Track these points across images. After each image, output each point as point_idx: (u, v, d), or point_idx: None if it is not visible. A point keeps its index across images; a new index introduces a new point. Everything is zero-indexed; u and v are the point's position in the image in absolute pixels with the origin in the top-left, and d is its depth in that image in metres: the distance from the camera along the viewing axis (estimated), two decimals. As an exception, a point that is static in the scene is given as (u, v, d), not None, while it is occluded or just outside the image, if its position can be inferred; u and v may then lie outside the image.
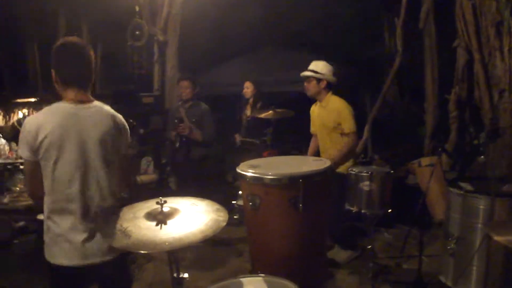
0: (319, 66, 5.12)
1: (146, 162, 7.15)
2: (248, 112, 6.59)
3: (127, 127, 2.79)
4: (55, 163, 2.49)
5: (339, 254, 5.26)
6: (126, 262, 2.89)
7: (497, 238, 2.26)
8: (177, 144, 5.79)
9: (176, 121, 5.74)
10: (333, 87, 5.18)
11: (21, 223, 6.06)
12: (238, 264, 5.19)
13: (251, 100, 6.60)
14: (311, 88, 5.15)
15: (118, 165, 2.71)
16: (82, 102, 2.59)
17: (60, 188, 2.52)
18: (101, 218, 2.56)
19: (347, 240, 5.35)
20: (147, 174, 6.99)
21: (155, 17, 8.75)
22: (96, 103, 2.67)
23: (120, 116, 2.75)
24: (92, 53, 2.69)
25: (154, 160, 7.21)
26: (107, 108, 2.71)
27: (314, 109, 5.39)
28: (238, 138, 6.70)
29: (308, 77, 5.12)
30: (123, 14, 8.56)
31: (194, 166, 5.89)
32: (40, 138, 2.46)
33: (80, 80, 2.62)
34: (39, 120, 2.50)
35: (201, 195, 2.75)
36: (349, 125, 4.94)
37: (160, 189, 6.84)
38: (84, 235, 2.54)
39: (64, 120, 2.51)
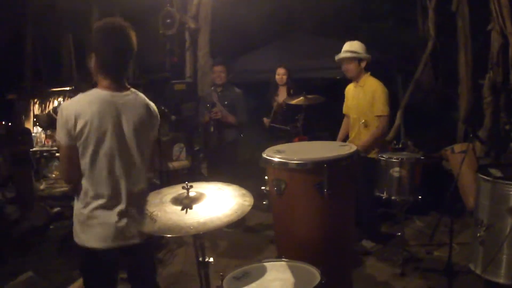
0: (356, 46, 5.03)
1: (179, 149, 7.20)
2: (281, 98, 6.57)
3: (159, 115, 2.86)
4: (95, 150, 2.56)
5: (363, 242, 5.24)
6: (151, 246, 2.97)
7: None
8: (211, 129, 5.87)
9: (208, 105, 5.84)
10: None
11: (57, 209, 6.23)
12: (269, 250, 5.20)
13: (286, 87, 6.57)
14: (353, 69, 5.05)
15: (149, 150, 2.79)
16: (118, 90, 2.64)
17: (99, 174, 2.59)
18: (134, 202, 2.62)
19: (372, 230, 5.31)
20: (179, 161, 7.04)
21: (186, 5, 8.80)
22: (132, 91, 2.72)
23: (153, 104, 2.82)
24: (134, 35, 2.67)
25: (186, 147, 7.27)
26: (142, 96, 2.76)
27: (350, 89, 5.31)
28: (266, 122, 6.68)
29: (348, 59, 5.02)
30: (155, 2, 8.64)
31: (227, 149, 6.00)
32: (79, 126, 2.51)
33: (119, 66, 2.65)
34: (77, 108, 2.53)
35: (232, 180, 2.78)
36: (382, 107, 4.88)
37: (192, 175, 6.90)
38: (116, 218, 2.62)
39: (102, 108, 2.55)
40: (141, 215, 2.39)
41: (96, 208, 2.62)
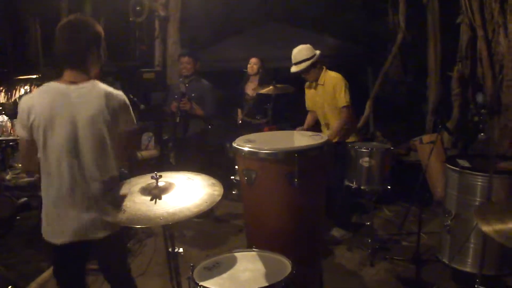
0: (306, 52, 4.95)
1: (147, 138, 7.13)
2: (251, 89, 6.54)
3: (127, 103, 2.76)
4: (45, 142, 2.54)
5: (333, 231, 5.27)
6: (121, 238, 2.91)
7: (484, 228, 2.09)
8: (178, 119, 5.80)
9: (176, 96, 5.76)
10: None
11: (24, 199, 6.09)
12: (238, 240, 5.21)
13: (257, 77, 6.53)
14: (314, 75, 5.04)
15: (117, 142, 2.71)
16: (74, 82, 2.60)
17: (51, 167, 2.56)
18: (93, 195, 2.59)
19: (343, 218, 5.35)
20: (148, 150, 6.98)
21: (157, -8, 8.67)
22: (90, 82, 2.64)
23: (117, 93, 2.71)
24: (96, 29, 2.67)
25: (155, 136, 7.20)
26: (101, 87, 2.67)
27: (311, 86, 5.31)
28: (240, 114, 6.65)
29: (306, 68, 4.96)
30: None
31: (194, 140, 5.91)
32: (31, 119, 2.52)
33: (71, 61, 2.64)
34: (31, 101, 2.56)
35: (201, 170, 2.76)
36: (343, 98, 4.88)
37: (161, 164, 6.85)
38: (75, 212, 2.57)
39: (54, 101, 2.54)
40: (104, 207, 2.38)
41: (55, 202, 2.58)
